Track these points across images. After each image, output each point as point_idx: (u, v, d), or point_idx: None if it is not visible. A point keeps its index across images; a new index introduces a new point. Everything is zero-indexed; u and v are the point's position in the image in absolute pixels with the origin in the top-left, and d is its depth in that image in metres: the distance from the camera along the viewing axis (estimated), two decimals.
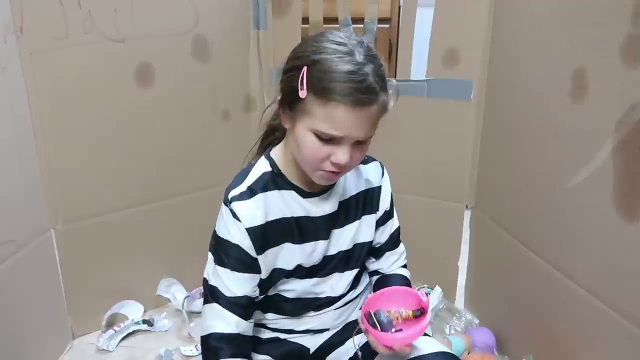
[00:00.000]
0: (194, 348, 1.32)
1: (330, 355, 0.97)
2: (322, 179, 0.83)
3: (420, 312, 0.85)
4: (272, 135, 0.94)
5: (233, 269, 0.86)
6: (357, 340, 0.92)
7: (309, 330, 0.97)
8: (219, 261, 0.87)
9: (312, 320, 0.97)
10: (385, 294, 0.90)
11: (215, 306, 0.88)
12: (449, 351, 0.88)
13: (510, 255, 1.20)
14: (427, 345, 0.88)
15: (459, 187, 1.39)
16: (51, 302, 1.28)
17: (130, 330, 1.37)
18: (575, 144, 0.94)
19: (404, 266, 1.04)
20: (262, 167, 0.89)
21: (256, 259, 0.87)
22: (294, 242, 0.89)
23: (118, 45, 1.25)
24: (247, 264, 0.87)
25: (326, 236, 0.92)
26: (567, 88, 0.94)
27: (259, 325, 0.99)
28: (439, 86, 1.34)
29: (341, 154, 0.78)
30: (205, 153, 1.43)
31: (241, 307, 0.88)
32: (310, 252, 0.91)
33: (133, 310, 1.44)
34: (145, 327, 1.40)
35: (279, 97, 0.83)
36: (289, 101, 0.80)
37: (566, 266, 1.00)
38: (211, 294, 0.88)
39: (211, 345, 0.88)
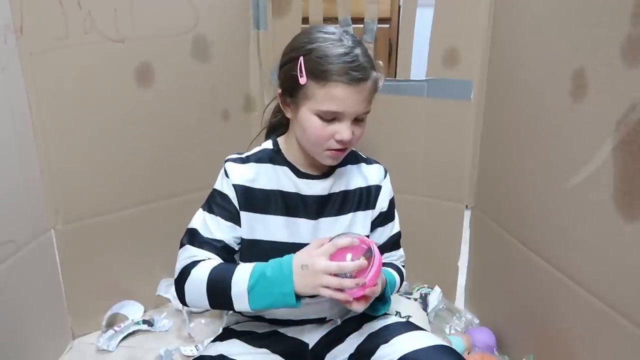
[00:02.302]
0: (194, 348, 1.32)
1: (329, 353, 0.98)
2: (329, 159, 0.91)
3: (370, 253, 0.82)
4: (275, 132, 1.01)
5: (218, 214, 0.92)
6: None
7: (307, 320, 0.98)
8: (209, 209, 0.94)
9: (308, 309, 0.97)
10: (334, 256, 0.82)
11: (188, 247, 0.92)
12: (447, 344, 0.89)
13: (510, 255, 1.20)
14: (426, 338, 0.89)
15: (459, 187, 1.39)
16: (51, 302, 1.28)
17: (130, 331, 1.37)
18: (575, 144, 0.94)
19: (402, 266, 1.06)
20: (264, 145, 0.99)
21: (239, 212, 0.93)
22: (277, 214, 0.94)
23: (118, 45, 1.25)
24: (232, 214, 0.93)
25: (313, 216, 0.95)
26: (567, 88, 0.94)
27: (256, 318, 1.00)
28: (439, 86, 1.34)
29: (344, 131, 0.86)
30: (205, 153, 1.43)
31: (215, 247, 0.91)
32: (294, 228, 0.94)
33: (133, 310, 1.44)
34: (145, 327, 1.40)
35: (279, 90, 0.91)
36: (290, 90, 0.88)
37: (566, 266, 1.00)
38: (187, 237, 0.93)
39: (182, 272, 0.89)
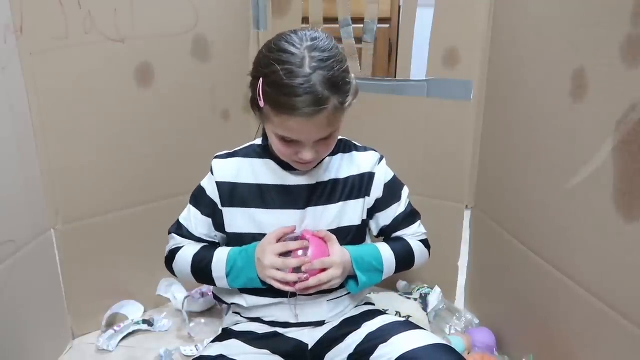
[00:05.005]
0: (194, 348, 1.32)
1: (329, 353, 0.98)
2: (300, 166, 0.94)
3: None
4: None
5: (199, 209, 1.01)
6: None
7: (306, 323, 0.98)
8: (194, 202, 1.03)
9: (307, 312, 0.98)
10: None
11: (174, 236, 1.04)
12: (446, 343, 0.89)
13: (510, 255, 1.20)
14: (424, 337, 0.89)
15: (459, 187, 1.39)
16: (51, 302, 1.28)
17: (130, 330, 1.37)
18: (575, 144, 0.94)
19: (421, 241, 1.08)
20: (255, 141, 1.03)
21: (221, 210, 0.99)
22: (263, 207, 0.97)
23: (118, 45, 1.25)
24: (209, 209, 1.00)
25: (300, 206, 0.97)
26: (567, 88, 0.94)
27: (256, 320, 1.00)
28: (439, 86, 1.33)
29: (305, 153, 0.88)
30: (205, 153, 1.42)
31: (195, 238, 1.03)
32: (281, 220, 0.96)
33: (133, 310, 1.44)
34: (145, 327, 1.40)
35: (250, 100, 0.91)
36: (256, 105, 0.88)
37: (566, 266, 1.00)
38: (175, 228, 1.05)
39: (170, 256, 1.04)
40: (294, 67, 0.81)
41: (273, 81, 0.82)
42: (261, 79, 0.84)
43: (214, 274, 0.97)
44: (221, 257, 0.97)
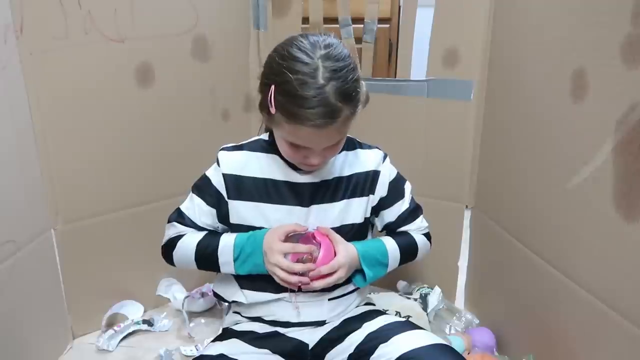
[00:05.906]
0: (194, 348, 1.32)
1: (329, 353, 0.98)
2: (306, 167, 0.94)
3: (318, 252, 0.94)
4: None
5: (204, 199, 1.00)
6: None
7: (306, 322, 0.98)
8: (198, 191, 1.01)
9: (308, 312, 0.98)
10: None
11: (175, 224, 1.02)
12: (446, 343, 0.89)
13: (510, 255, 1.20)
14: (425, 337, 0.89)
15: (459, 187, 1.39)
16: (51, 302, 1.28)
17: (130, 330, 1.37)
18: (575, 144, 0.94)
19: (424, 234, 1.09)
20: (262, 136, 1.02)
21: (227, 202, 0.98)
22: (268, 202, 0.97)
23: (118, 45, 1.25)
24: (214, 200, 0.99)
25: (305, 204, 0.97)
26: (567, 88, 0.94)
27: (256, 319, 1.00)
28: (439, 86, 1.33)
29: (314, 159, 0.89)
30: (205, 153, 1.42)
31: (196, 227, 1.01)
32: (286, 215, 0.96)
33: (133, 310, 1.44)
34: (145, 327, 1.40)
35: (258, 103, 0.91)
36: (266, 110, 0.88)
37: (566, 266, 1.00)
38: (175, 215, 1.02)
39: (170, 243, 1.01)
40: (307, 77, 0.80)
41: (285, 90, 0.81)
42: (273, 86, 0.83)
43: (221, 259, 0.95)
44: (228, 242, 0.96)
